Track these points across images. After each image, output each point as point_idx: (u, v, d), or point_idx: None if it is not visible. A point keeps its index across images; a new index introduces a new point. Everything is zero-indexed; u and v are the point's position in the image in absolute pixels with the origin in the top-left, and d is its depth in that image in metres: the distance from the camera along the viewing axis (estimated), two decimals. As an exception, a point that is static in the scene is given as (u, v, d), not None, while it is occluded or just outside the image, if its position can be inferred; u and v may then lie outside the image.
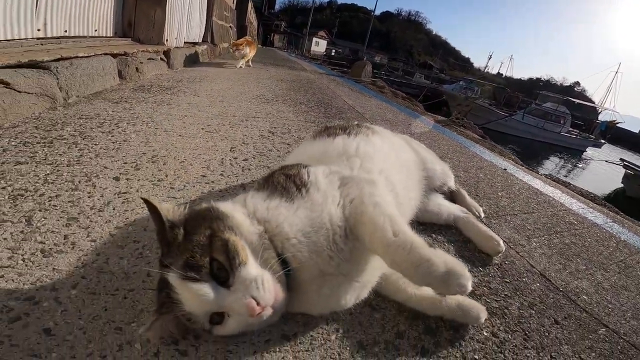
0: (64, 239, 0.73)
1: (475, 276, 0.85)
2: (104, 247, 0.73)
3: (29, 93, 1.61)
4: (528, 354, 0.65)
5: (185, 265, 0.48)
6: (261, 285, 0.49)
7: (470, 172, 1.75)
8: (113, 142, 1.24)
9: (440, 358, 0.61)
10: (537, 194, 1.62)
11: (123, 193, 0.92)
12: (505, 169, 2.02)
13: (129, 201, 0.89)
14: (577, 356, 0.67)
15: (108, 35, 3.66)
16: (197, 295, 0.47)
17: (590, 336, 0.74)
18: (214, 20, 6.79)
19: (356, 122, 1.05)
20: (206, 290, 0.47)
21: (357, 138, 0.85)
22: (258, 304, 0.48)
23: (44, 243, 0.71)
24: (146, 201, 0.55)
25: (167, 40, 4.19)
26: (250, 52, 5.20)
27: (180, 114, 1.76)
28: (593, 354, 0.69)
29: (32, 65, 1.76)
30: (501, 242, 0.96)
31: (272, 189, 0.62)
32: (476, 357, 0.62)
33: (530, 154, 14.03)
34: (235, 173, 1.16)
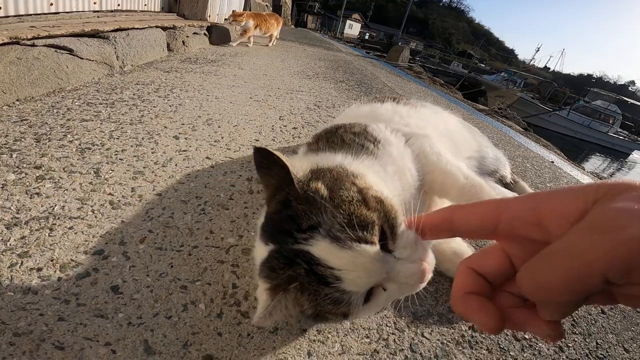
0: (132, 192, 0.75)
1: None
2: (169, 202, 0.74)
3: (90, 60, 1.69)
4: (576, 339, 0.64)
5: (348, 226, 0.37)
6: (422, 247, 0.41)
7: (516, 161, 1.66)
8: (170, 106, 1.28)
9: (491, 336, 0.59)
10: None
11: (183, 151, 0.94)
12: (552, 162, 1.91)
13: (189, 158, 0.91)
14: (620, 345, 0.66)
15: (156, 10, 3.77)
16: (370, 262, 0.37)
17: (633, 328, 0.72)
18: None
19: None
20: (379, 254, 0.37)
21: (407, 107, 0.83)
22: None
23: (113, 195, 0.73)
24: (267, 152, 0.43)
25: (209, 16, 4.27)
26: (269, 28, 4.65)
27: (228, 84, 1.78)
28: (635, 345, 0.67)
29: (93, 34, 1.84)
30: None
31: (346, 147, 0.56)
32: (526, 336, 0.61)
33: (573, 153, 13.22)
34: (286, 139, 1.16)
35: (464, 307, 0.29)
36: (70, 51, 1.56)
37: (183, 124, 1.11)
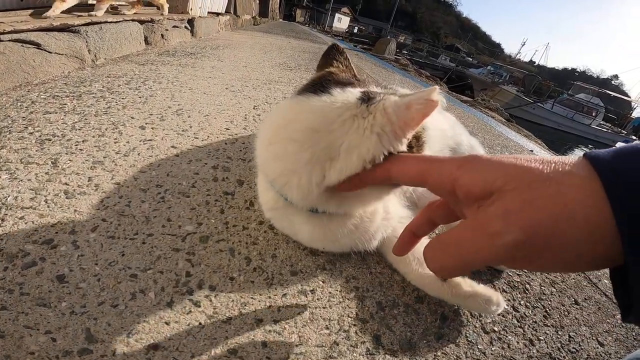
0: (88, 181, 0.73)
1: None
2: (127, 190, 0.72)
3: (59, 54, 1.63)
4: (547, 332, 0.63)
5: None
6: None
7: (495, 150, 1.68)
8: (140, 97, 1.24)
9: (459, 326, 0.58)
10: None
11: (148, 140, 0.92)
12: (531, 151, 1.93)
13: (154, 147, 0.88)
14: (594, 338, 0.65)
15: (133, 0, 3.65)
16: None
17: (609, 320, 0.71)
18: None
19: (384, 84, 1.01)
20: None
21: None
22: None
23: (68, 184, 0.71)
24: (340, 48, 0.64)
25: (191, 9, 4.19)
26: None
27: (205, 76, 1.75)
28: (609, 338, 0.66)
29: (64, 29, 1.78)
30: None
31: None
32: (495, 329, 0.60)
33: (557, 145, 13.50)
34: (257, 127, 1.14)
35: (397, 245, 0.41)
36: (38, 45, 1.50)
37: (151, 115, 1.08)
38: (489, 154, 0.30)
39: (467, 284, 0.59)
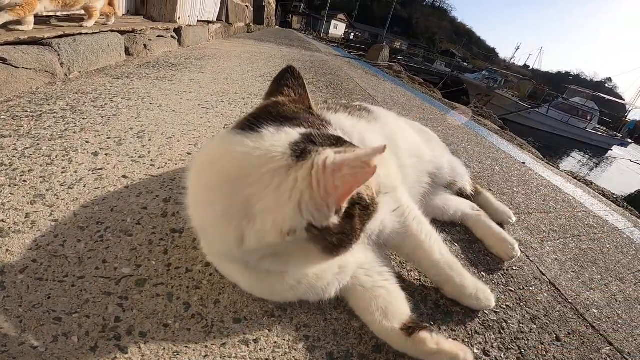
0: (25, 218, 0.68)
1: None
2: (64, 228, 0.67)
3: (27, 69, 1.57)
4: None
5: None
6: None
7: (484, 164, 1.63)
8: (102, 117, 1.19)
9: None
10: (557, 192, 1.49)
11: (99, 169, 0.86)
12: (524, 163, 1.89)
13: (103, 178, 0.83)
14: None
15: (121, 13, 3.63)
16: None
17: (592, 355, 0.66)
18: None
19: (357, 103, 0.96)
20: None
21: (359, 121, 0.78)
22: None
23: (4, 222, 0.67)
24: (296, 71, 0.60)
25: (179, 18, 4.14)
26: None
27: (180, 90, 1.70)
28: None
29: (33, 42, 1.72)
30: (516, 245, 0.85)
31: None
32: None
33: (552, 149, 13.50)
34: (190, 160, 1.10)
35: None
36: (4, 60, 1.45)
37: (109, 138, 1.03)
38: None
39: (433, 341, 0.54)
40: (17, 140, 0.96)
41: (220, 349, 0.51)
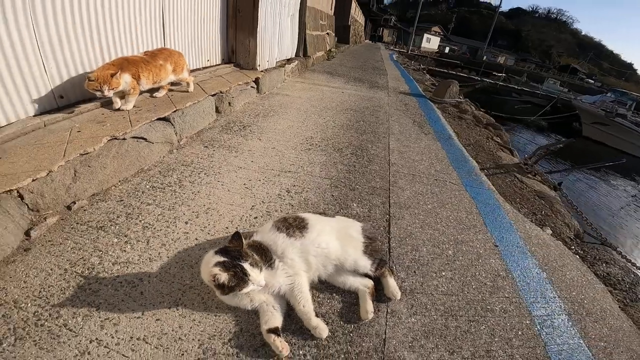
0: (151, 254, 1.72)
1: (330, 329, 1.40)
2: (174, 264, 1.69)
3: (157, 143, 2.61)
4: None
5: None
6: None
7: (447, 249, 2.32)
8: (192, 193, 2.23)
9: None
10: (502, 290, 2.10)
11: (185, 232, 1.88)
12: (496, 245, 2.13)
13: (187, 238, 1.84)
14: None
15: (217, 63, 4.86)
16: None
17: None
18: (307, 33, 7.53)
19: (301, 215, 1.61)
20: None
21: (290, 239, 1.53)
22: None
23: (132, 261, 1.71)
24: (238, 234, 1.35)
25: (259, 65, 5.13)
26: (159, 74, 2.95)
27: (238, 165, 2.68)
28: None
29: (161, 119, 2.75)
30: (370, 314, 1.41)
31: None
32: None
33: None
34: (246, 229, 2.04)
35: None
36: (145, 139, 2.56)
37: (193, 212, 2.04)
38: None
39: (277, 340, 1.28)
40: (155, 208, 2.04)
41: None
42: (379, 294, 1.57)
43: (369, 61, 12.46)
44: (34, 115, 2.31)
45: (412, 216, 2.28)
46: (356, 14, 17.75)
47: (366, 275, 1.57)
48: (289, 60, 6.56)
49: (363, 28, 19.00)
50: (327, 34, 10.27)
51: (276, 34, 5.62)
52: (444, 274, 1.81)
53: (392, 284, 1.58)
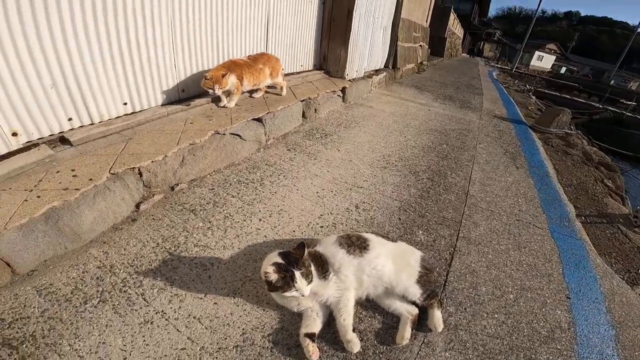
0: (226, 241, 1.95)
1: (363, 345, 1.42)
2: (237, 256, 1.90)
3: (249, 140, 2.93)
4: None
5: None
6: None
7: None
8: (270, 192, 2.45)
9: None
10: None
11: (258, 229, 2.09)
12: (569, 297, 1.89)
13: (259, 234, 2.04)
14: None
15: (309, 68, 5.13)
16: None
17: None
18: (398, 45, 7.32)
19: (364, 235, 1.64)
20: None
21: (350, 257, 1.57)
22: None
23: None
24: (303, 244, 1.41)
25: (347, 74, 5.21)
26: (258, 77, 3.20)
27: (314, 173, 2.84)
28: None
29: (255, 119, 3.06)
30: (406, 341, 1.43)
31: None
32: None
33: None
34: (310, 236, 2.17)
35: None
36: (240, 136, 2.91)
37: (268, 210, 2.26)
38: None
39: (311, 345, 1.37)
40: (237, 200, 2.31)
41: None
42: (421, 323, 1.56)
43: (463, 77, 11.57)
44: (161, 105, 2.78)
45: (480, 254, 2.12)
46: (454, 26, 16.82)
47: (413, 303, 1.58)
48: (377, 71, 6.53)
49: (461, 41, 17.95)
50: (420, 46, 9.95)
51: (367, 44, 5.64)
52: (496, 316, 1.68)
53: (437, 316, 1.56)
